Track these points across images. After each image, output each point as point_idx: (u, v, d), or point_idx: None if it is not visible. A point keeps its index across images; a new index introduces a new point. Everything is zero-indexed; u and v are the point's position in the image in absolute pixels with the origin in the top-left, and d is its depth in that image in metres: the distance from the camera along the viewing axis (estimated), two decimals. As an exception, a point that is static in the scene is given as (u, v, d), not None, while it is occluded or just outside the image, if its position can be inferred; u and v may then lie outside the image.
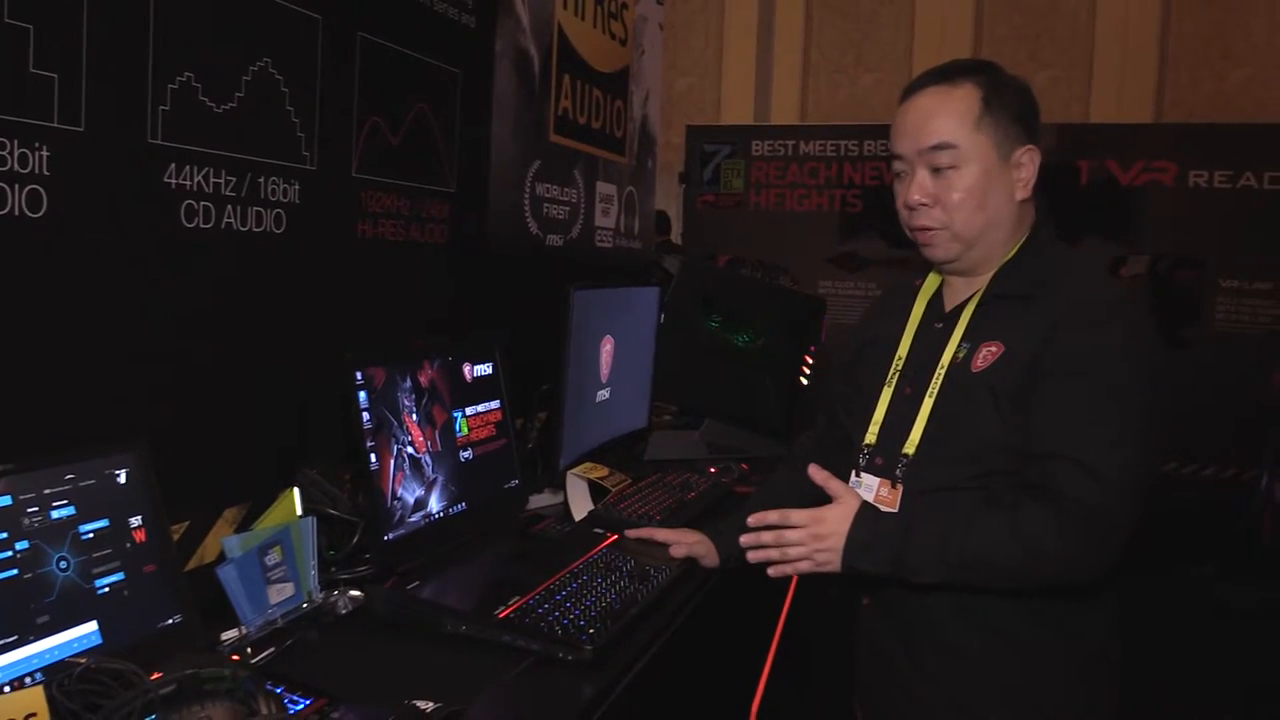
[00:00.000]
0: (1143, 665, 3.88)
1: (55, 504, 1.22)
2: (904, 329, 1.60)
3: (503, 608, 1.54)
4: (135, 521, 1.31)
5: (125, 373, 1.45)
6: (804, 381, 3.11)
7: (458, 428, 1.87)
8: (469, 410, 1.92)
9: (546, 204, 2.68)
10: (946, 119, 1.47)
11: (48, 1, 1.26)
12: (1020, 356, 1.43)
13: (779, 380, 3.02)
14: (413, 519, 1.70)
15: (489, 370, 2.00)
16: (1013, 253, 1.52)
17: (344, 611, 1.58)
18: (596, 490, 2.30)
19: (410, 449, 1.72)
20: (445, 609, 1.55)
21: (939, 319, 1.57)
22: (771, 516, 1.50)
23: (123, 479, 1.31)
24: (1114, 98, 6.65)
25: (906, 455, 1.51)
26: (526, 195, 2.57)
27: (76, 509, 1.25)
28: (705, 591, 1.87)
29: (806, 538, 1.47)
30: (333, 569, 1.67)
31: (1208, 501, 5.59)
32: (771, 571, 1.53)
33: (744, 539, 1.55)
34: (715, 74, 8.00)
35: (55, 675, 1.11)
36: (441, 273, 2.20)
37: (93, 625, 1.23)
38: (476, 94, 2.30)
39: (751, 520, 1.54)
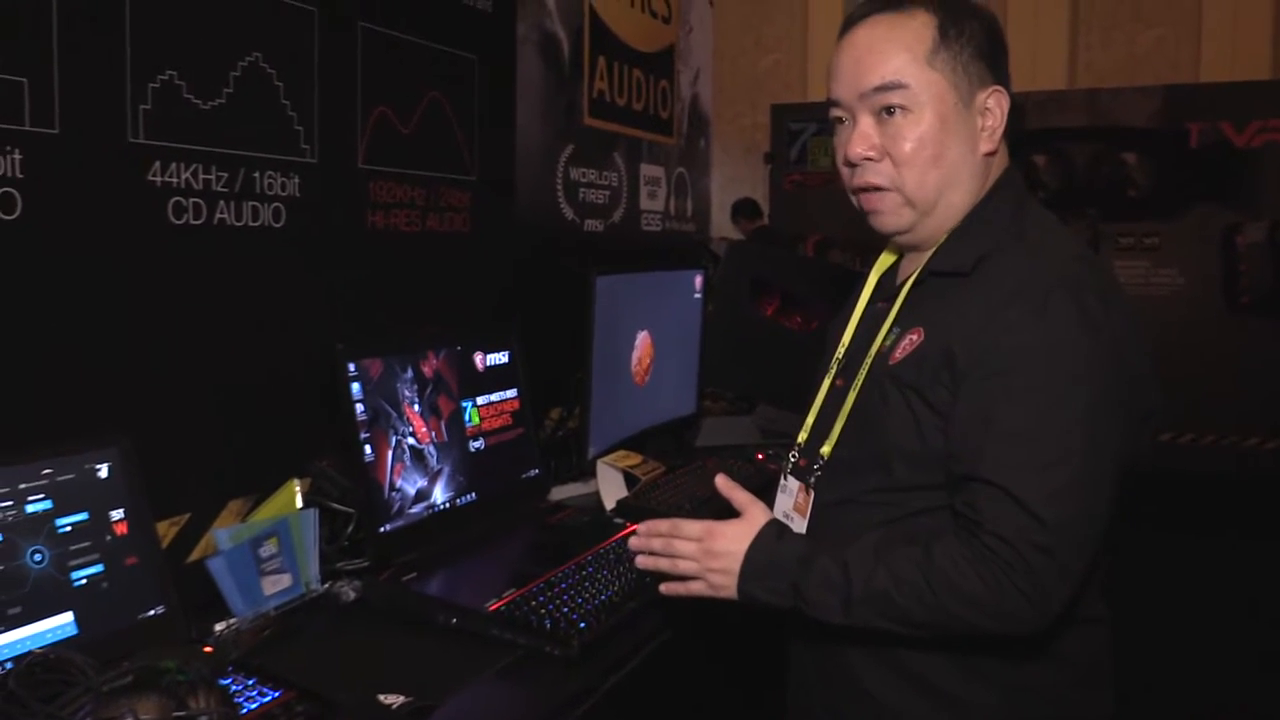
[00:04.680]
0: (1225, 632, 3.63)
1: (31, 498, 1.25)
2: (854, 311, 1.42)
3: (496, 600, 1.51)
4: (116, 515, 1.33)
5: (119, 368, 1.47)
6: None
7: (467, 417, 1.86)
8: (480, 400, 1.90)
9: (583, 188, 2.64)
10: (894, 53, 1.23)
11: (12, 5, 1.28)
12: (937, 348, 1.20)
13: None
14: (414, 510, 1.69)
15: (504, 359, 1.98)
16: (963, 219, 1.28)
17: (346, 602, 1.59)
18: (632, 480, 2.26)
19: (411, 440, 1.71)
20: (436, 601, 1.54)
21: (885, 298, 1.36)
22: (662, 526, 1.33)
23: (104, 473, 1.33)
24: (1226, 55, 6.22)
25: (822, 458, 1.32)
26: (559, 180, 2.53)
27: (54, 503, 1.27)
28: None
29: (699, 553, 1.28)
30: (341, 561, 1.67)
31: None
32: (663, 589, 1.35)
33: (633, 543, 1.38)
34: (800, 51, 7.82)
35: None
36: (465, 261, 2.19)
37: (68, 616, 1.26)
38: (499, 80, 2.27)
39: (642, 528, 1.37)
